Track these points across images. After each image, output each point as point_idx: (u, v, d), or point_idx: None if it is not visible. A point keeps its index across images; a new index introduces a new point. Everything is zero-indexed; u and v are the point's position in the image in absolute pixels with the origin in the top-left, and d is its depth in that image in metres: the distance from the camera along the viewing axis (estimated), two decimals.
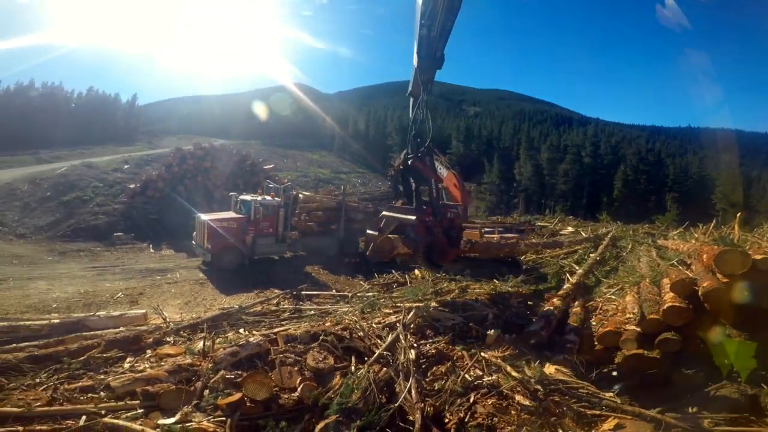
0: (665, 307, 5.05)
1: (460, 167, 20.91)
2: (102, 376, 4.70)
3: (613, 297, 7.23)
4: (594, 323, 6.06)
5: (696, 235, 10.25)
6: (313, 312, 7.75)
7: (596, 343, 5.09)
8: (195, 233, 14.64)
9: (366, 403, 4.11)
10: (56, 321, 6.93)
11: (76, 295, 10.54)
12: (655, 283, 6.32)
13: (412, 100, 7.02)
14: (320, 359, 4.92)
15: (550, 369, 4.49)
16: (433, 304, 7.74)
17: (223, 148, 24.15)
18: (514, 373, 4.24)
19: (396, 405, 4.19)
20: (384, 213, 7.40)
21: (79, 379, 4.69)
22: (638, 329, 4.95)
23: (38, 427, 3.66)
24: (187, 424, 3.69)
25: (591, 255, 12.04)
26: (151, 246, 17.57)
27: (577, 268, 10.74)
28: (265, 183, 18.52)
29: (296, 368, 4.72)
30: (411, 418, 4.07)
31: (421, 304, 7.57)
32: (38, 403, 4.02)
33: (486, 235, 13.76)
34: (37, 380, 4.62)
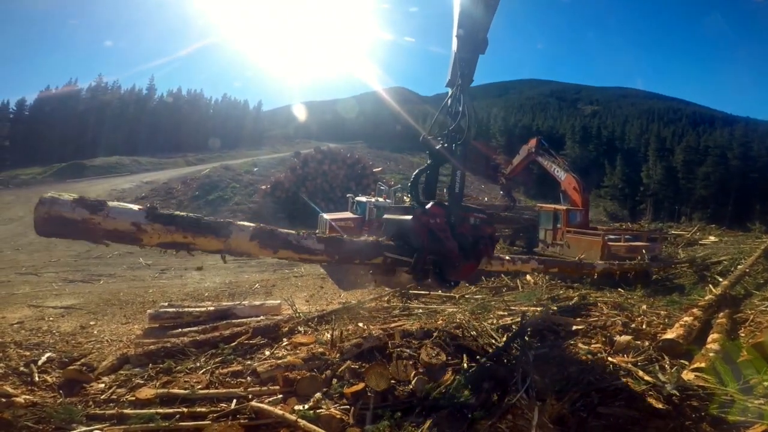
0: None
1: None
2: (249, 362, 5.11)
3: None
4: (743, 334, 5.59)
5: None
6: (420, 311, 7.88)
7: (745, 353, 4.64)
8: (317, 230, 15.96)
9: (478, 399, 4.12)
10: (211, 308, 7.86)
11: (222, 285, 12.00)
12: None
13: (450, 91, 5.97)
14: (433, 355, 4.94)
15: (689, 375, 4.20)
16: (554, 308, 7.56)
17: (338, 152, 25.76)
18: (646, 378, 4.07)
19: (511, 402, 4.16)
20: (385, 215, 5.94)
21: (231, 363, 5.13)
22: None
23: (199, 409, 4.02)
24: (318, 411, 3.89)
25: (739, 267, 10.63)
26: None
27: (720, 279, 9.63)
28: (377, 185, 19.50)
29: (411, 362, 4.83)
30: (527, 416, 4.05)
31: (538, 309, 7.46)
32: (199, 386, 4.45)
33: (611, 243, 12.59)
34: (198, 364, 5.15)
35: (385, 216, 5.84)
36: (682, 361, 4.81)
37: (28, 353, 5.70)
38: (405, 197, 17.71)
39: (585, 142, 73.73)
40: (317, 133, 77.36)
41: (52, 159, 44.98)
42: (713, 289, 8.26)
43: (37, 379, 4.84)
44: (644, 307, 7.58)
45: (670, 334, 5.34)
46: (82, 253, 15.68)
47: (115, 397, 4.38)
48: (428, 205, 5.21)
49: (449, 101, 5.77)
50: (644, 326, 6.21)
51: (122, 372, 5.01)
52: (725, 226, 29.17)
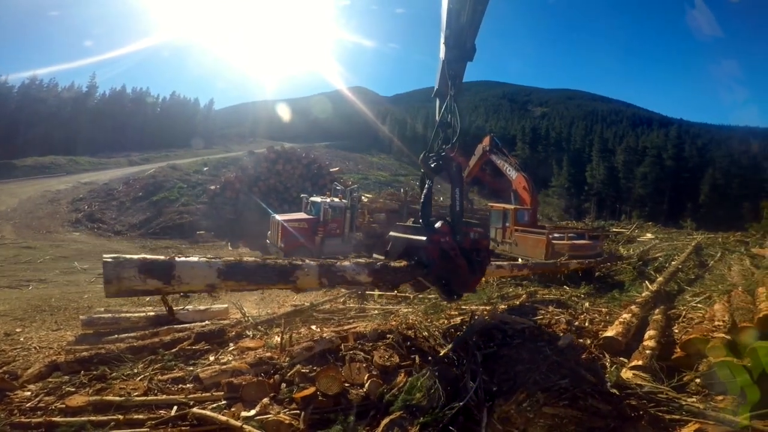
0: (760, 316, 4.78)
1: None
2: (191, 368, 4.87)
3: (698, 305, 6.89)
4: (676, 331, 5.84)
5: None
6: (376, 311, 7.79)
7: (678, 350, 4.89)
8: (269, 232, 15.48)
9: (430, 401, 4.08)
10: (151, 314, 7.40)
11: None
12: (749, 292, 5.92)
13: (438, 101, 5.87)
14: (386, 357, 4.90)
15: (627, 374, 4.37)
16: (502, 307, 7.71)
17: (293, 152, 25.20)
18: (588, 377, 4.19)
19: (461, 404, 4.19)
20: (391, 233, 5.96)
21: (171, 370, 4.89)
22: (728, 337, 4.72)
23: (136, 416, 3.84)
24: (266, 416, 3.77)
25: (672, 263, 11.35)
26: (229, 244, 18.83)
27: (656, 275, 10.20)
28: (332, 185, 19.26)
29: (364, 365, 4.72)
30: (476, 416, 4.08)
31: (488, 307, 7.57)
32: (136, 393, 4.23)
33: (555, 241, 13.07)
34: (135, 370, 4.88)
35: (392, 233, 5.86)
36: (621, 358, 5.00)
37: None
38: (363, 196, 17.64)
39: (535, 143, 76.81)
40: (275, 132, 75.71)
41: None
42: (649, 286, 8.72)
43: None
44: (587, 304, 7.88)
45: (609, 332, 5.53)
46: (9, 258, 14.45)
47: (43, 405, 4.04)
48: (437, 225, 5.35)
49: (440, 113, 5.70)
50: (586, 324, 6.42)
51: (51, 380, 4.62)
52: (661, 223, 31.32)
